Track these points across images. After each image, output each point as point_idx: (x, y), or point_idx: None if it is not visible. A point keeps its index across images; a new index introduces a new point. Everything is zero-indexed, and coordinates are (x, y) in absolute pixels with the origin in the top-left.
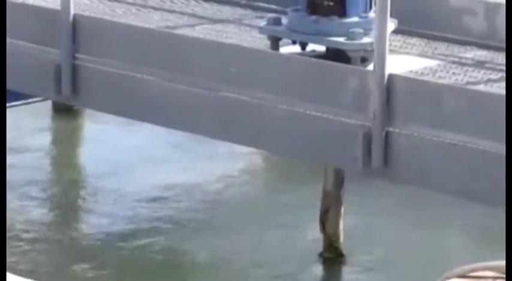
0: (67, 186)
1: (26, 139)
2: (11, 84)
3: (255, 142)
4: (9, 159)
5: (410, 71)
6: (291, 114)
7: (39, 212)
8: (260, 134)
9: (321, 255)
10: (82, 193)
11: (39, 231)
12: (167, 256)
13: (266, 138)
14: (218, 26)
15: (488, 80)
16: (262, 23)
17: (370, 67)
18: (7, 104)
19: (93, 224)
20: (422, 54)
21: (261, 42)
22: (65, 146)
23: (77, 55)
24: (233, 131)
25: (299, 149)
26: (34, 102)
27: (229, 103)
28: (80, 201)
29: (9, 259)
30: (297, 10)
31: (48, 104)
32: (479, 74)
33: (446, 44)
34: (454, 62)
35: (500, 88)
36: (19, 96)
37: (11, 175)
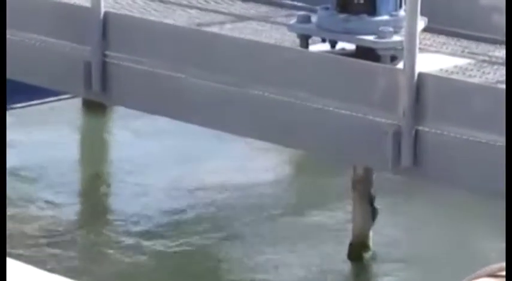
0: (92, 181)
1: (57, 135)
2: (41, 81)
3: (285, 139)
4: (41, 155)
5: (441, 70)
6: (321, 112)
7: (69, 212)
8: (290, 132)
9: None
10: (104, 188)
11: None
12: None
13: (296, 137)
14: (247, 24)
15: None
16: (292, 21)
17: (400, 66)
18: (38, 101)
19: (126, 213)
20: (452, 53)
21: (290, 40)
22: (94, 142)
23: (107, 52)
24: (263, 129)
25: (328, 147)
26: (65, 99)
27: (259, 101)
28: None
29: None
30: (327, 8)
31: (78, 101)
32: None
33: (476, 42)
34: (484, 61)
35: None
36: (50, 93)
37: (47, 170)
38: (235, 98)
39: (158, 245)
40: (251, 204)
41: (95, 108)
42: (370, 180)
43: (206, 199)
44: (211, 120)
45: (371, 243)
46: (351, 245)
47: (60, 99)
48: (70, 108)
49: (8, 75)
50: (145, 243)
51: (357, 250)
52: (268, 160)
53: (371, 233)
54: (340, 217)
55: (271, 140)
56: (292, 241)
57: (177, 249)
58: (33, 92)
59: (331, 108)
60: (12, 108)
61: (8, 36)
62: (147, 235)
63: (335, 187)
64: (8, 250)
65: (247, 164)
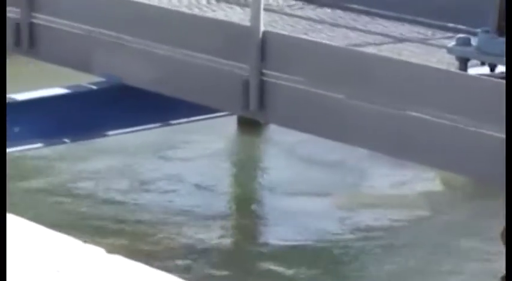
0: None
1: (208, 151)
2: (199, 99)
3: (442, 163)
4: (191, 170)
5: None
6: (478, 136)
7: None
8: (448, 156)
9: None
10: (255, 208)
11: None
12: None
13: (455, 161)
14: (402, 45)
15: None
16: (451, 43)
17: None
18: (194, 118)
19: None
20: None
21: (445, 62)
22: (248, 159)
23: (265, 71)
24: (419, 152)
25: (487, 171)
26: (220, 116)
27: (416, 123)
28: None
29: None
30: (487, 31)
31: (233, 119)
32: None
33: None
34: None
35: None
36: (206, 110)
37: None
38: (391, 119)
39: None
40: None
41: (250, 126)
42: None
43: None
44: (366, 140)
45: None
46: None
47: (215, 117)
48: (225, 125)
49: (167, 92)
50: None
51: None
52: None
53: None
54: None
55: (426, 163)
56: None
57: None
58: (190, 109)
59: (489, 132)
60: (168, 125)
61: (168, 53)
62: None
63: None
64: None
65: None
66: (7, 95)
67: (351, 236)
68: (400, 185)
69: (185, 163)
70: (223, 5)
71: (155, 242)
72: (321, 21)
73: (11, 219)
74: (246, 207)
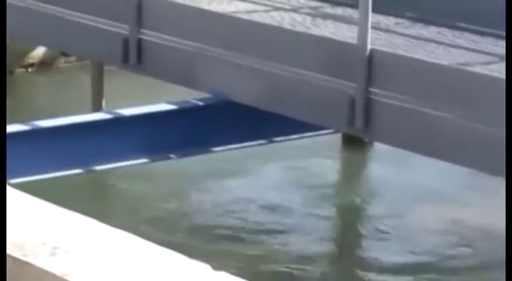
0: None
1: (316, 168)
2: (303, 115)
3: None
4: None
5: None
6: None
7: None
8: None
9: None
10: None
11: None
12: None
13: None
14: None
15: None
16: None
17: None
18: (298, 135)
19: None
20: None
21: None
22: (351, 175)
23: (371, 89)
24: None
25: None
26: (325, 134)
27: None
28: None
29: None
30: None
31: (337, 136)
32: None
33: None
34: None
35: None
36: (310, 127)
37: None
38: (499, 140)
39: None
40: None
41: (354, 144)
42: None
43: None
44: (473, 160)
45: None
46: None
47: (319, 135)
48: (329, 143)
49: (272, 109)
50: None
51: None
52: None
53: None
54: None
55: None
56: None
57: None
58: (294, 127)
59: None
60: (272, 142)
61: (274, 70)
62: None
63: None
64: None
65: None
66: (114, 110)
67: None
68: None
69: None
70: (329, 22)
71: None
72: (426, 39)
73: (119, 234)
74: None
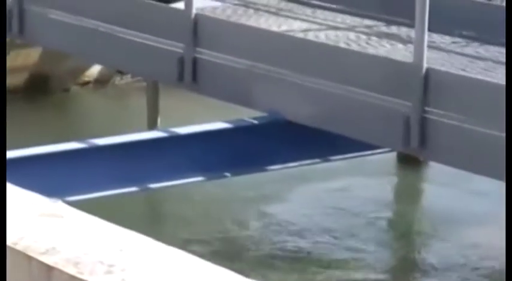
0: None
1: (371, 188)
2: (359, 134)
3: None
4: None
5: None
6: None
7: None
8: None
9: None
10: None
11: None
12: None
13: None
14: None
15: None
16: None
17: None
18: (353, 154)
19: None
20: None
21: None
22: (407, 196)
23: (427, 108)
24: None
25: None
26: (381, 153)
27: None
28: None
29: None
30: None
31: (392, 155)
32: None
33: None
34: None
35: None
36: (366, 146)
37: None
38: None
39: None
40: None
41: (409, 163)
42: None
43: None
44: None
45: None
46: None
47: (374, 154)
48: (385, 162)
49: (328, 128)
50: None
51: None
52: None
53: None
54: None
55: None
56: None
57: None
58: (349, 146)
59: None
60: (328, 161)
61: (329, 89)
62: None
63: None
64: None
65: None
66: (170, 129)
67: None
68: None
69: None
70: (384, 41)
71: None
72: (482, 58)
73: (175, 252)
74: None
